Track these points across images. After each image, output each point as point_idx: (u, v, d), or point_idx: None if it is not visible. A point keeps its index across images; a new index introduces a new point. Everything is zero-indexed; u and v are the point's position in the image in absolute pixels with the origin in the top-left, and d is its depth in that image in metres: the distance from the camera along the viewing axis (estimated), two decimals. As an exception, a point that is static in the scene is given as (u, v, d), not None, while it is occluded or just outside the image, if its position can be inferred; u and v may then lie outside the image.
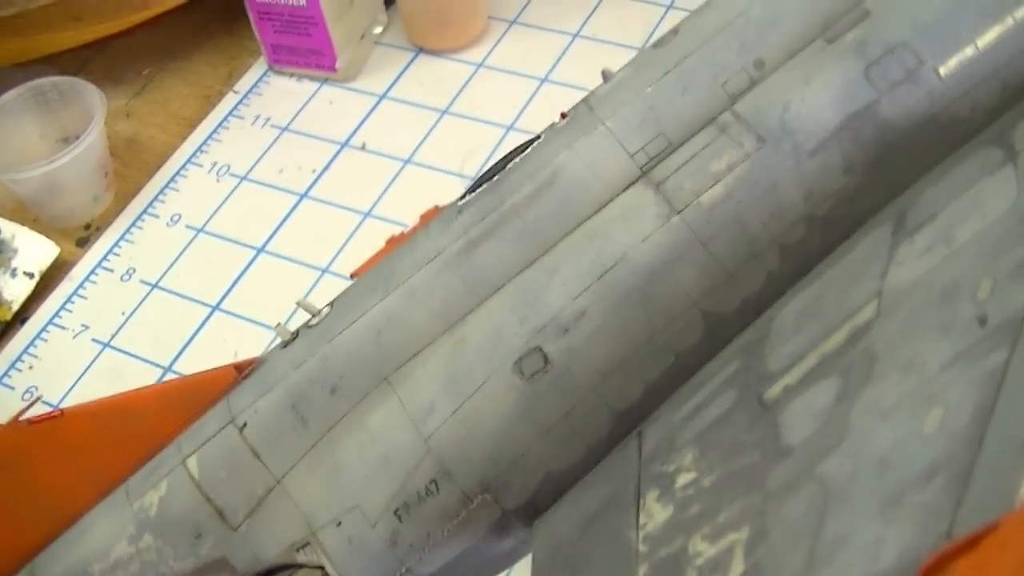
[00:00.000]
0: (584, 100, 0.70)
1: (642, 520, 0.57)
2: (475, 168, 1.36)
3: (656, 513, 0.57)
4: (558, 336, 0.64)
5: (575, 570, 0.59)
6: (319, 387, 0.68)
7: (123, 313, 1.29)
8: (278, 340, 0.74)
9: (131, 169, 1.44)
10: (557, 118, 0.72)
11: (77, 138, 1.34)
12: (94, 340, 1.27)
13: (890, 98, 0.64)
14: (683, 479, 0.57)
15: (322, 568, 0.67)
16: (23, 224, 1.35)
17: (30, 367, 1.25)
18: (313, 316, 0.71)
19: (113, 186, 1.40)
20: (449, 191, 1.16)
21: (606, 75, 0.72)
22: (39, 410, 0.72)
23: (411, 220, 1.28)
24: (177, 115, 1.50)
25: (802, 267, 0.65)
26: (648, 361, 0.64)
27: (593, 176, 0.66)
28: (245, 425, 0.68)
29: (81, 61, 1.54)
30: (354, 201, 1.34)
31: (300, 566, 0.68)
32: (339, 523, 0.66)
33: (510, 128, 1.38)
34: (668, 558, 0.54)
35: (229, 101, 1.50)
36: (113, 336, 1.27)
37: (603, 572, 0.57)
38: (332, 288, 1.25)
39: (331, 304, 0.71)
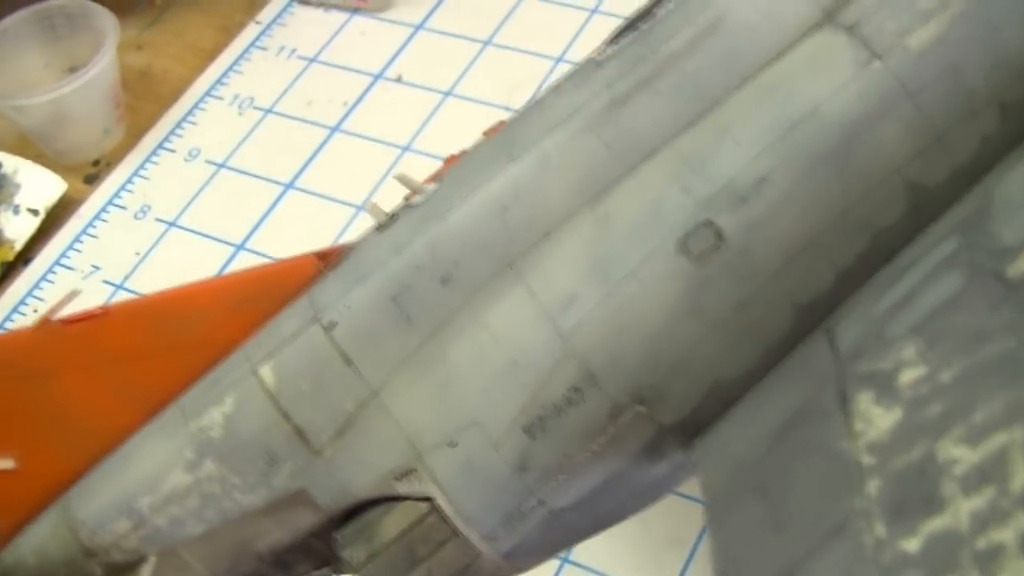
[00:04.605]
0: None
1: (858, 427, 0.46)
2: (524, 100, 1.24)
3: (877, 417, 0.45)
4: (734, 207, 0.52)
5: (769, 493, 0.47)
6: (427, 276, 0.56)
7: (137, 253, 1.18)
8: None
9: (144, 102, 1.33)
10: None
11: (86, 68, 1.21)
12: (105, 282, 1.16)
13: None
14: (909, 375, 0.46)
15: (430, 500, 0.55)
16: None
17: (35, 311, 1.14)
18: (416, 192, 0.58)
19: (125, 119, 1.28)
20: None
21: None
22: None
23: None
24: (194, 46, 1.38)
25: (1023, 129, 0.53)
26: (841, 241, 0.53)
27: (766, 20, 0.55)
28: (333, 323, 0.56)
29: (88, -10, 1.42)
30: (391, 135, 1.23)
31: (401, 498, 0.56)
32: (453, 443, 0.54)
33: (559, 60, 1.28)
34: (909, 468, 0.43)
35: (251, 32, 1.39)
36: (127, 278, 1.16)
37: (812, 492, 0.45)
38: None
39: (437, 179, 0.59)
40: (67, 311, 0.59)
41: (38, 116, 1.22)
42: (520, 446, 0.53)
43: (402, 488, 0.55)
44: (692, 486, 0.86)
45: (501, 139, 0.58)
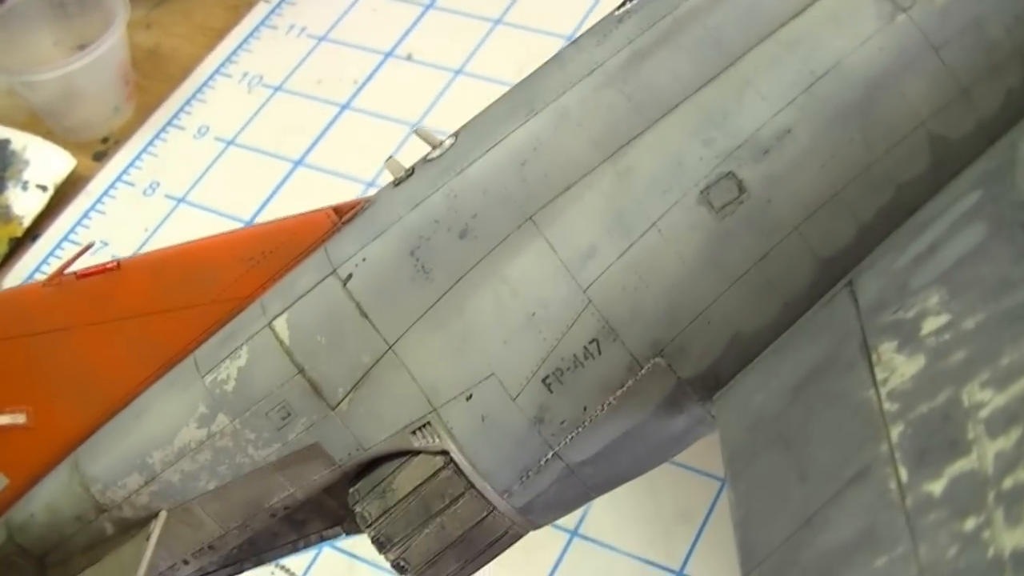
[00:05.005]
0: None
1: (880, 376, 0.45)
2: (535, 79, 1.23)
3: (900, 365, 0.45)
4: (756, 159, 0.52)
5: (791, 444, 0.47)
6: (445, 229, 0.55)
7: (146, 229, 1.17)
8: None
9: (152, 81, 1.32)
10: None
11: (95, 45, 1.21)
12: (115, 258, 1.14)
13: None
14: (932, 324, 0.45)
15: (445, 454, 0.54)
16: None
17: (43, 286, 1.13)
18: (433, 147, 0.58)
19: (134, 97, 1.27)
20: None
21: None
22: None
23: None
24: (203, 25, 1.38)
25: None
26: (863, 195, 0.52)
27: None
28: (350, 277, 0.56)
29: (96, -30, 1.41)
30: (401, 112, 1.22)
31: (416, 452, 0.55)
32: (469, 396, 0.54)
33: (570, 38, 1.25)
34: (933, 413, 0.42)
35: (260, 11, 1.38)
36: (135, 254, 1.14)
37: (835, 441, 0.45)
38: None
39: (455, 134, 0.58)
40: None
41: (47, 92, 1.21)
42: (538, 399, 0.53)
43: (417, 442, 0.55)
44: (703, 459, 0.86)
45: (520, 94, 0.57)
